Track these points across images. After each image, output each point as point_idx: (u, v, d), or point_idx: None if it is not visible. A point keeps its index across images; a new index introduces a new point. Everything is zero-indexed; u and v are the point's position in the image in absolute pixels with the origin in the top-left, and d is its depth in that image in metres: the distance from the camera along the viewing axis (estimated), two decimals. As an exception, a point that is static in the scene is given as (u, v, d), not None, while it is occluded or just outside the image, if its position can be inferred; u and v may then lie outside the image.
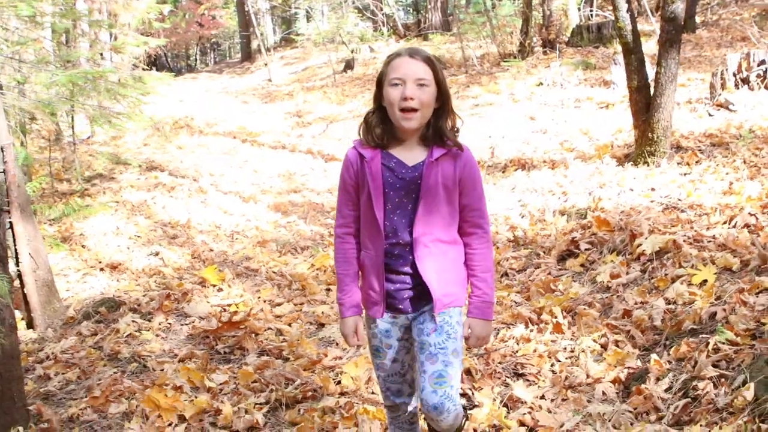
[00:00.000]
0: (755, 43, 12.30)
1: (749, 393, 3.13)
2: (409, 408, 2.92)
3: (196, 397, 4.09)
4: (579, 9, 18.33)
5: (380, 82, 2.57)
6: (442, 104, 2.57)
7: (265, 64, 24.11)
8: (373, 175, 2.57)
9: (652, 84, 7.51)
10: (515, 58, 16.01)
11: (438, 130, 2.58)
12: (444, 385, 2.57)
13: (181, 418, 3.92)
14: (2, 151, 5.18)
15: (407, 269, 2.61)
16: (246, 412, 3.93)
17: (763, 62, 9.14)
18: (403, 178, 2.57)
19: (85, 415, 3.98)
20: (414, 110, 2.49)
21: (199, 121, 15.15)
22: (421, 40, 24.41)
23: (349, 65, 21.26)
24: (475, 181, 2.64)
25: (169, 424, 3.85)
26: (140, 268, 6.82)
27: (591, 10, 19.06)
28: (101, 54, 10.91)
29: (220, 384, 4.34)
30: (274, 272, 6.59)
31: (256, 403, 4.04)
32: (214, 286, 6.18)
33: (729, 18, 16.71)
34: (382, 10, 25.92)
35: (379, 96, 2.59)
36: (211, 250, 7.35)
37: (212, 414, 3.97)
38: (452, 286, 2.64)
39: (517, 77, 14.12)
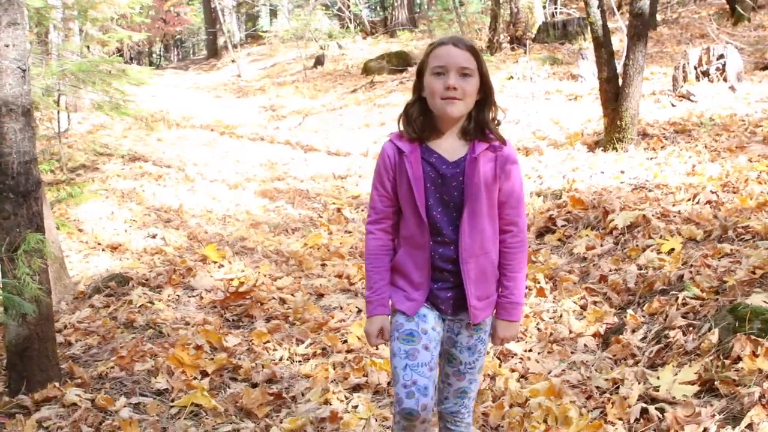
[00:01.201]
0: (714, 39, 12.89)
1: (714, 337, 3.61)
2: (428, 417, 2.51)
3: (215, 356, 4.46)
4: (544, 7, 18.88)
5: (420, 72, 2.47)
6: (485, 96, 2.46)
7: (233, 61, 24.34)
8: (413, 169, 2.44)
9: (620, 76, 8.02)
10: (484, 53, 16.47)
11: (480, 124, 2.47)
12: (465, 398, 2.65)
13: (203, 374, 4.29)
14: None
15: (450, 267, 2.48)
16: (263, 367, 4.32)
17: (721, 56, 9.70)
18: (443, 174, 2.44)
19: (113, 372, 4.30)
20: (456, 99, 2.39)
21: (175, 115, 15.28)
22: (388, 37, 24.84)
23: (319, 61, 21.62)
24: (515, 177, 2.50)
25: (194, 378, 4.22)
26: (140, 248, 7.11)
27: (555, 8, 19.65)
28: (87, 47, 11.11)
29: (235, 345, 4.71)
30: (270, 250, 6.93)
31: (271, 360, 4.43)
32: (215, 262, 6.51)
33: (688, 16, 17.40)
34: (348, 7, 26.26)
35: (419, 86, 2.48)
36: (206, 232, 7.66)
37: (231, 370, 4.34)
38: (490, 291, 2.54)
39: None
